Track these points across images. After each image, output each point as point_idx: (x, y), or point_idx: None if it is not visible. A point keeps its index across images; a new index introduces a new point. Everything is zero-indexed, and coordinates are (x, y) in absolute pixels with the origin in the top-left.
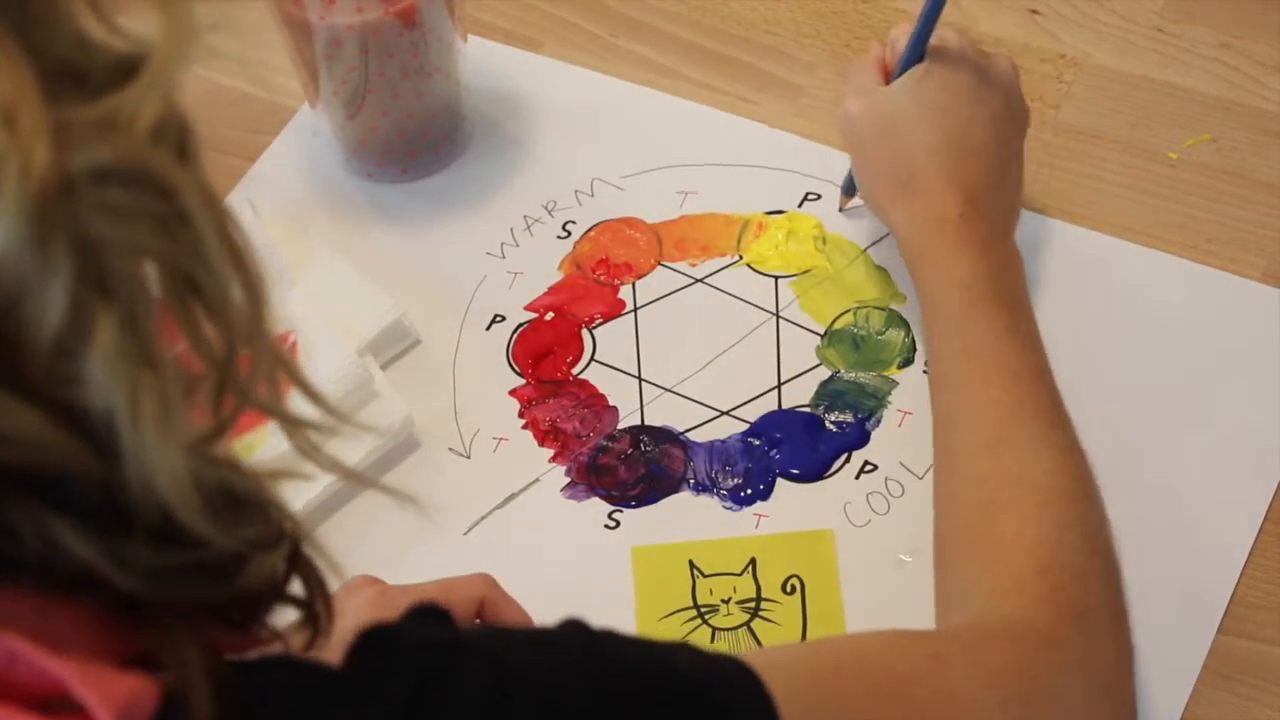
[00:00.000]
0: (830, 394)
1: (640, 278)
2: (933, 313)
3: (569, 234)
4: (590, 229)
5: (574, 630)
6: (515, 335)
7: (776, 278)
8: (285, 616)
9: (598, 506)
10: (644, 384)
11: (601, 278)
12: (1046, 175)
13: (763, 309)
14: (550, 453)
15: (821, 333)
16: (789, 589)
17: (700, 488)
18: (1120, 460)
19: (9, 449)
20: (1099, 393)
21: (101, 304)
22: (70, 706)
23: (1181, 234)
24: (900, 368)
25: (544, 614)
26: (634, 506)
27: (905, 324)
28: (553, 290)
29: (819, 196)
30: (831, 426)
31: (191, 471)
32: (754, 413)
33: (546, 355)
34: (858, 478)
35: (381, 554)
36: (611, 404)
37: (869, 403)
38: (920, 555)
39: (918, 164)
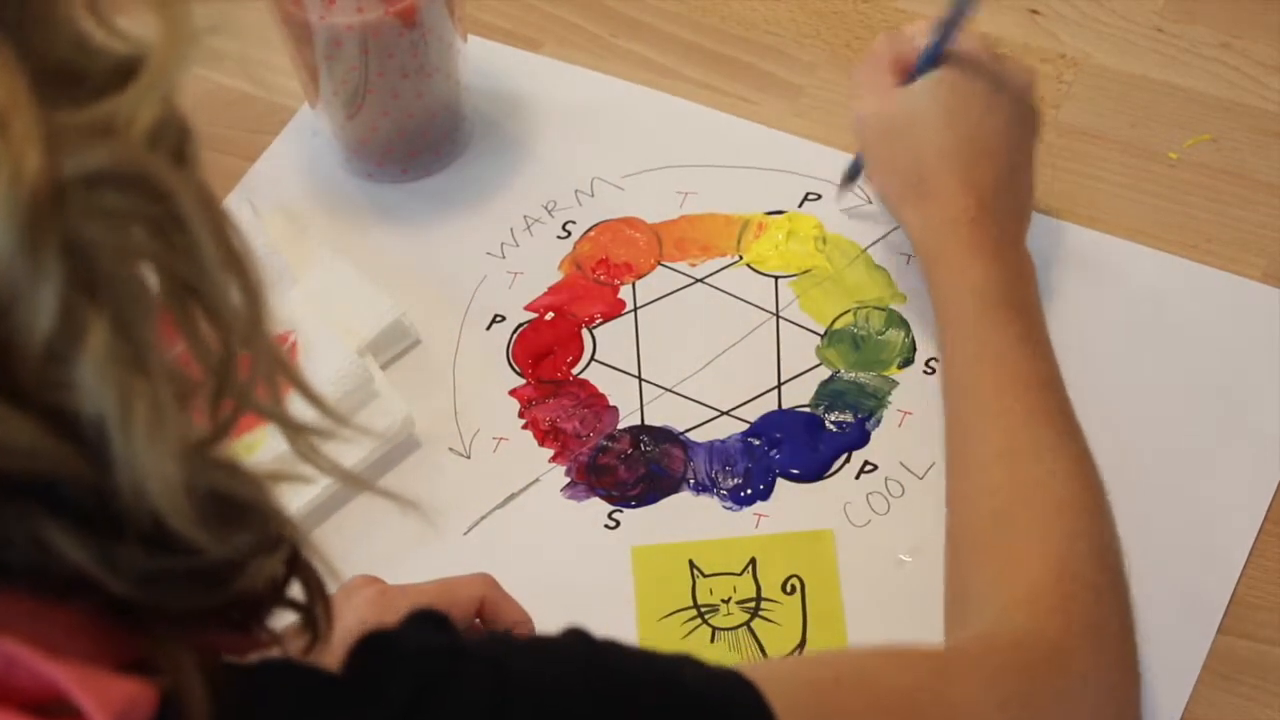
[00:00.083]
0: (830, 394)
1: (640, 278)
2: (945, 316)
3: (569, 234)
4: (590, 229)
5: (576, 639)
6: (515, 335)
7: (776, 278)
8: (284, 619)
9: (598, 506)
10: (644, 384)
11: (601, 278)
12: (1047, 175)
13: (763, 309)
14: (550, 453)
15: (821, 333)
16: (789, 589)
17: (700, 488)
18: (1120, 460)
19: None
20: (1099, 392)
21: (93, 309)
22: (67, 710)
23: (1181, 234)
24: (900, 368)
25: (544, 614)
26: (634, 506)
27: (905, 324)
28: (553, 290)
29: (819, 196)
30: (831, 426)
31: (185, 478)
32: (754, 413)
33: (546, 355)
34: (858, 478)
35: (381, 554)
36: (611, 404)
37: (869, 403)
38: (920, 555)
39: (931, 166)
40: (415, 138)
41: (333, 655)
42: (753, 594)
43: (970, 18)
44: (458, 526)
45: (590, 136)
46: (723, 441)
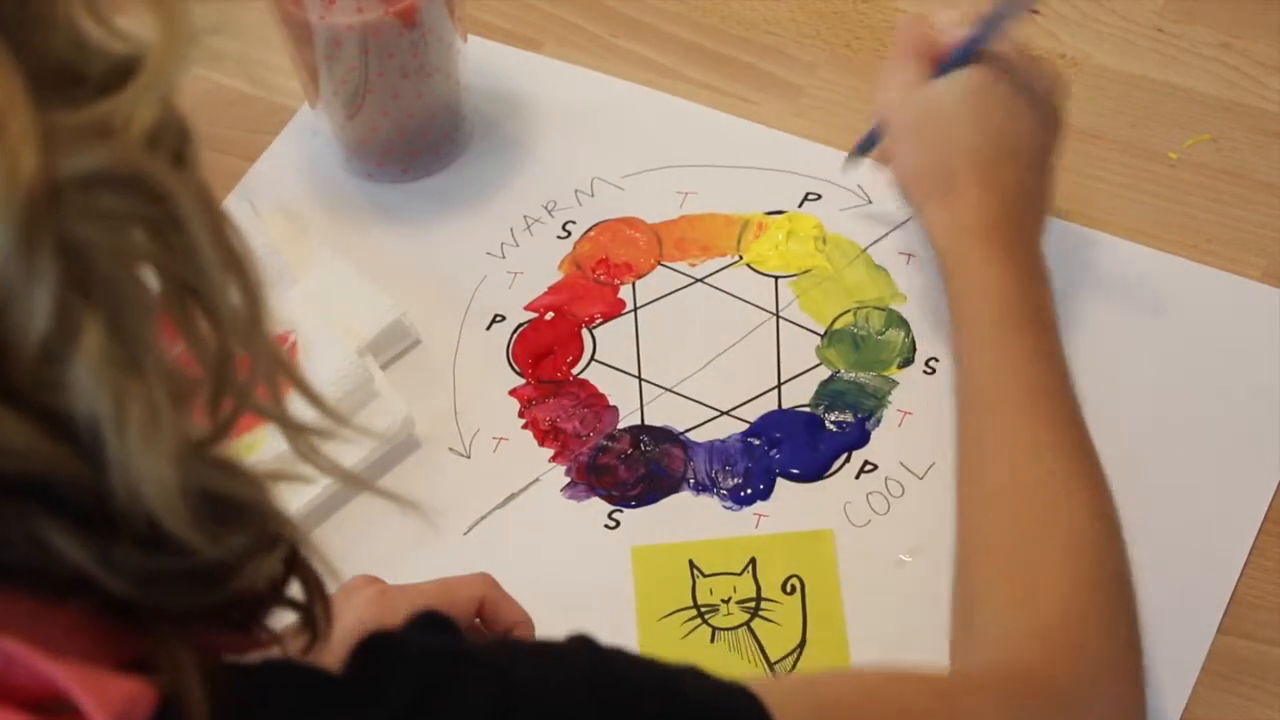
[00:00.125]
0: (830, 394)
1: (640, 278)
2: (962, 317)
3: (569, 234)
4: (590, 229)
5: (582, 646)
6: (515, 335)
7: (776, 278)
8: (284, 619)
9: (598, 506)
10: (644, 384)
11: (601, 278)
12: None
13: (763, 309)
14: (550, 453)
15: (821, 333)
16: (789, 589)
17: (700, 487)
18: (1120, 460)
19: None
20: (1099, 392)
21: (89, 310)
22: (67, 709)
23: (1181, 234)
24: (900, 368)
25: (544, 614)
26: (634, 506)
27: (905, 324)
28: (553, 290)
29: (819, 196)
30: (831, 426)
31: (180, 479)
32: (754, 413)
33: (546, 355)
34: (858, 478)
35: (381, 554)
36: (611, 404)
37: (869, 403)
38: (920, 555)
39: (957, 164)
40: (415, 138)
41: (332, 655)
42: (753, 594)
43: (1015, 20)
44: (458, 526)
45: (590, 136)
46: (723, 441)
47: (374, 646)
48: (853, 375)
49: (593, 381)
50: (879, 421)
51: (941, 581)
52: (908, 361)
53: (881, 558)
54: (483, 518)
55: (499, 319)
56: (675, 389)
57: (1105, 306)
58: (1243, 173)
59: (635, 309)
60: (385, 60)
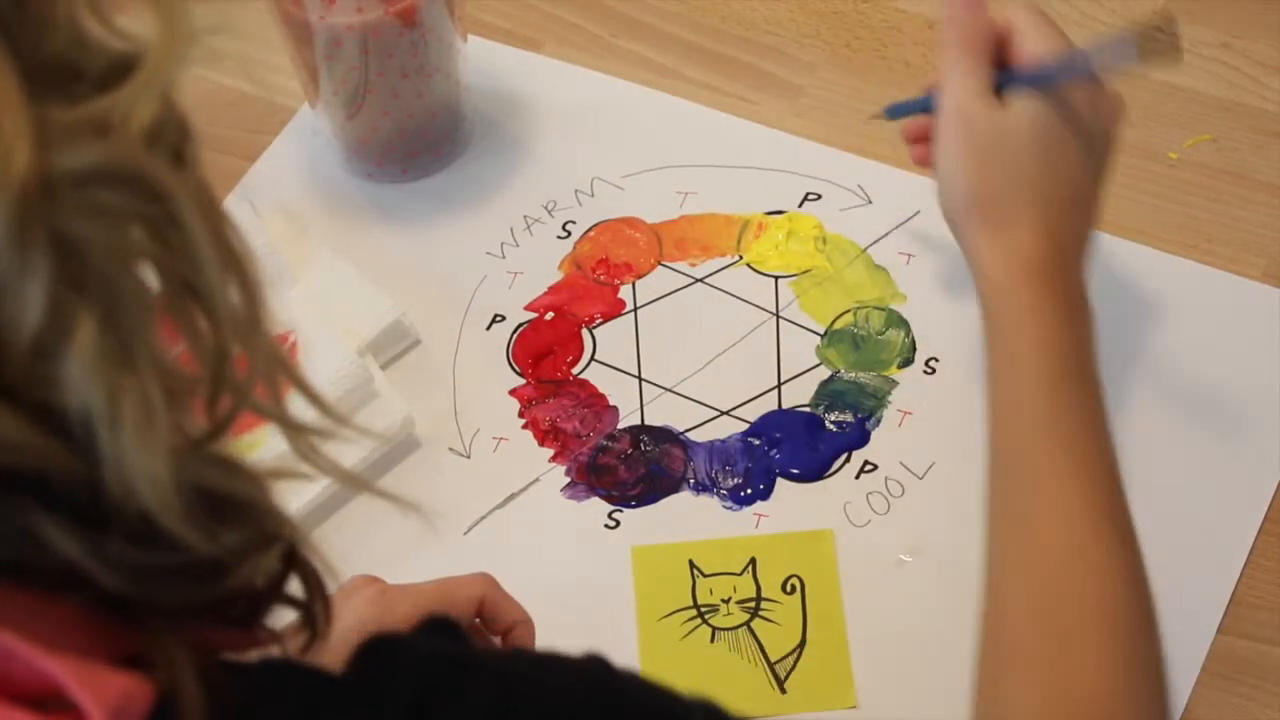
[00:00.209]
0: (830, 394)
1: (640, 278)
2: (1005, 367)
3: (569, 234)
4: (590, 229)
5: (595, 663)
6: (515, 335)
7: (776, 278)
8: (284, 618)
9: (598, 506)
10: (644, 384)
11: (601, 278)
12: None
13: (763, 309)
14: (550, 452)
15: (821, 333)
16: (789, 589)
17: (700, 488)
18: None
19: None
20: None
21: (83, 305)
22: (63, 704)
23: (1181, 234)
24: (900, 368)
25: (544, 614)
26: (634, 506)
27: (905, 324)
28: (553, 290)
29: (819, 196)
30: (831, 426)
31: (174, 475)
32: (754, 413)
33: (546, 355)
34: (858, 478)
35: (381, 554)
36: (611, 404)
37: (869, 403)
38: (920, 555)
39: (1020, 199)
40: (415, 138)
41: (332, 654)
42: (753, 594)
43: (1109, 70)
44: (458, 526)
45: (590, 136)
46: (723, 441)
47: (376, 648)
48: (853, 375)
49: (593, 381)
50: (879, 421)
51: (941, 581)
52: (908, 361)
53: (881, 558)
54: (483, 518)
55: (499, 319)
56: (675, 389)
57: (1105, 306)
58: (1243, 173)
59: (635, 309)
60: (385, 60)
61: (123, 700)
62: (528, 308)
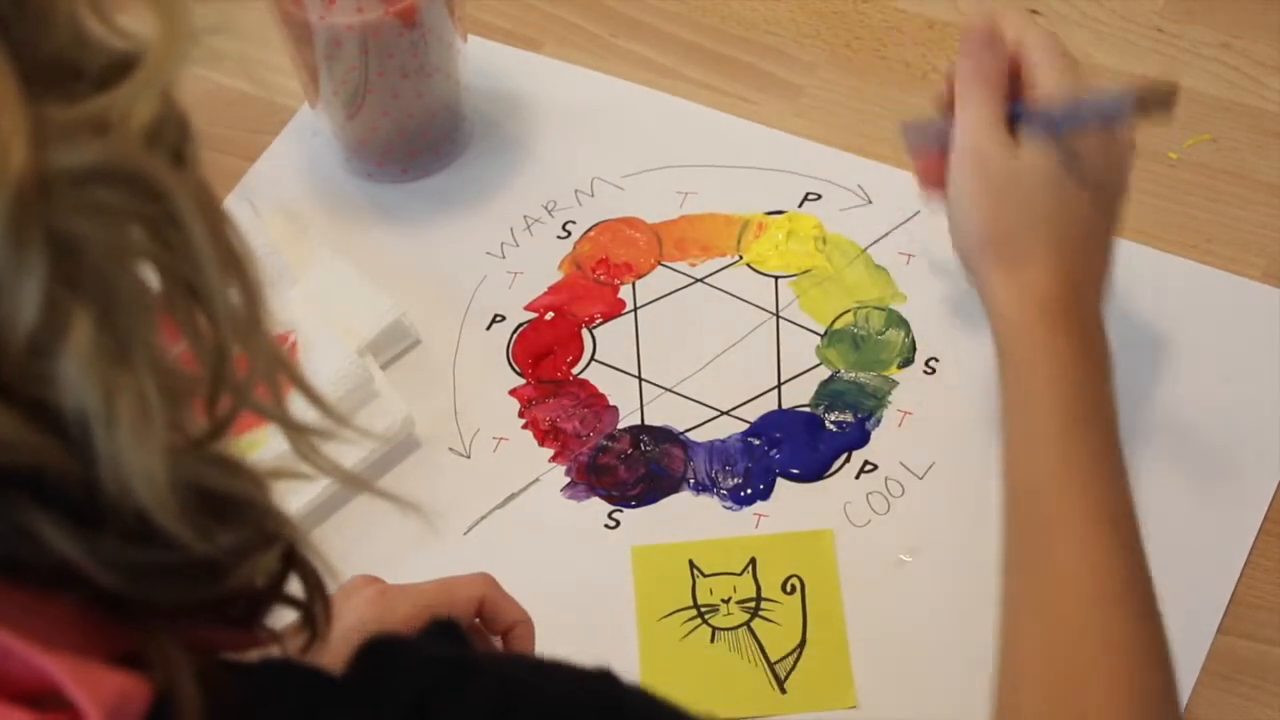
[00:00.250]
0: (830, 394)
1: (640, 278)
2: (1021, 408)
3: (569, 234)
4: (590, 229)
5: (601, 675)
6: (515, 335)
7: (776, 278)
8: (284, 618)
9: (598, 506)
10: (644, 384)
11: (601, 278)
12: None
13: (763, 309)
14: (550, 453)
15: (821, 333)
16: (789, 589)
17: (700, 488)
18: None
19: None
20: None
21: (79, 304)
22: (60, 703)
23: (1181, 234)
24: (900, 368)
25: (544, 614)
26: (634, 506)
27: (905, 324)
28: (553, 290)
29: (819, 196)
30: (831, 426)
31: (170, 474)
32: (754, 413)
33: (546, 355)
34: (858, 478)
35: (382, 554)
36: (611, 404)
37: (869, 403)
38: (920, 555)
39: (1035, 238)
40: (415, 138)
41: (332, 654)
42: (753, 594)
43: (1127, 119)
44: (458, 526)
45: (590, 136)
46: (723, 441)
47: (377, 649)
48: (853, 375)
49: (593, 381)
50: (879, 421)
51: (941, 581)
52: (908, 361)
53: (881, 558)
54: (483, 518)
55: (499, 319)
56: (675, 389)
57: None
58: (1243, 173)
59: (635, 309)
60: (385, 60)
61: (120, 699)
62: (528, 308)
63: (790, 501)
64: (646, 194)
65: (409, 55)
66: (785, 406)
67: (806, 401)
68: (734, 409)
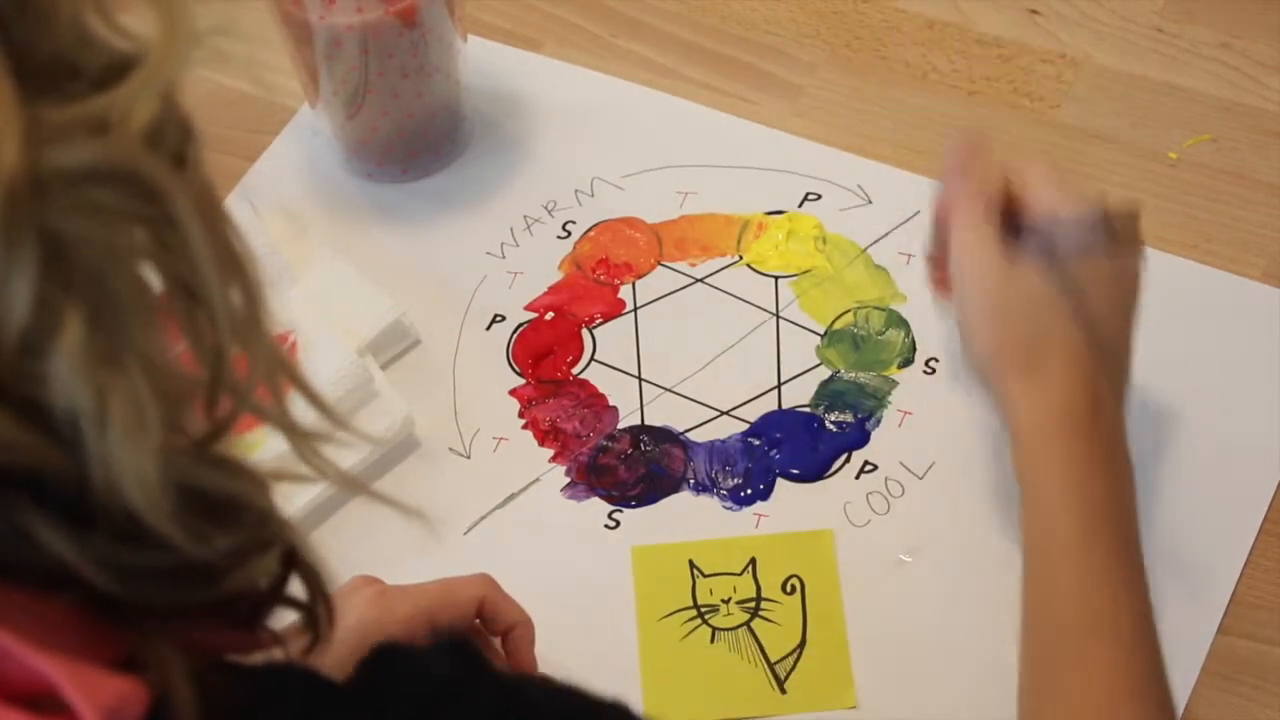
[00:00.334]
0: (830, 394)
1: (640, 278)
2: (1041, 521)
3: (569, 234)
4: (590, 229)
5: (615, 706)
6: (515, 335)
7: (776, 278)
8: (286, 620)
9: (598, 506)
10: (644, 384)
11: (601, 278)
12: None
13: (763, 309)
14: (550, 453)
15: (821, 333)
16: (789, 589)
17: (700, 488)
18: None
19: None
20: None
21: (71, 303)
22: (57, 705)
23: (1181, 234)
24: (900, 368)
25: (544, 614)
26: (634, 506)
27: (905, 324)
28: (553, 290)
29: (819, 196)
30: (831, 426)
31: (163, 475)
32: (754, 413)
33: (546, 355)
34: (858, 478)
35: (381, 554)
36: (611, 404)
37: (869, 403)
38: (920, 555)
39: (1048, 346)
40: (415, 138)
41: (331, 655)
42: (753, 594)
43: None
44: (458, 526)
45: (590, 136)
46: (723, 441)
47: (384, 657)
48: (853, 375)
49: (593, 381)
50: (879, 421)
51: (941, 581)
52: (908, 361)
53: (881, 558)
54: (483, 518)
55: (499, 319)
56: (675, 389)
57: None
58: (1243, 173)
59: (635, 309)
60: (385, 60)
61: (117, 703)
62: (528, 308)
63: (790, 501)
64: (646, 194)
65: (409, 55)
66: (785, 406)
67: (806, 401)
68: (734, 409)
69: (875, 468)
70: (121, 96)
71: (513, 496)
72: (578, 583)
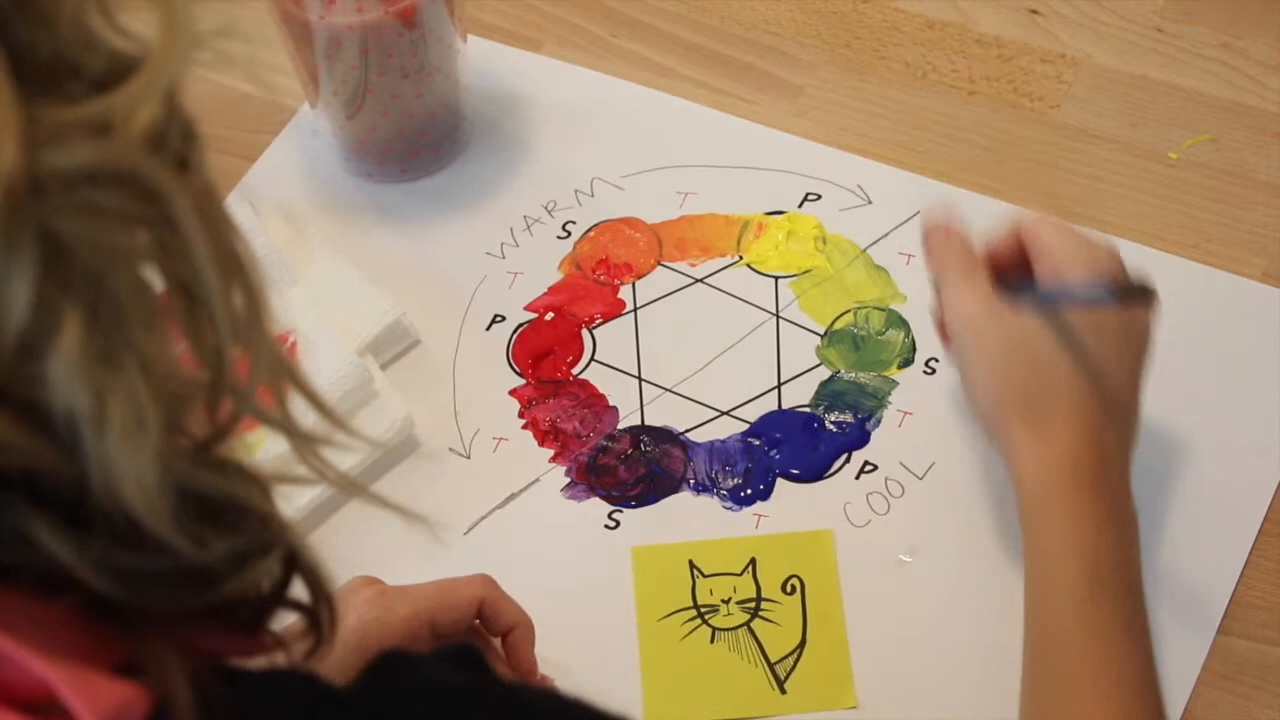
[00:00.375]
0: (830, 394)
1: (640, 278)
2: (1044, 571)
3: (569, 234)
4: (590, 229)
5: (621, 719)
6: (515, 335)
7: (776, 278)
8: (288, 622)
9: (598, 506)
10: (644, 384)
11: (601, 278)
12: (1047, 176)
13: (763, 309)
14: (550, 453)
15: (821, 333)
16: (789, 589)
17: (700, 488)
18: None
19: None
20: None
21: (69, 305)
22: (57, 710)
23: (1181, 234)
24: (900, 368)
25: (544, 614)
26: (634, 506)
27: (905, 324)
28: (553, 290)
29: (819, 197)
30: (831, 426)
31: (162, 478)
32: (754, 413)
33: (546, 355)
34: (858, 478)
35: (381, 554)
36: (611, 404)
37: (869, 403)
38: (920, 555)
39: (1051, 396)
40: (415, 138)
41: (333, 655)
42: (753, 594)
43: (1105, 305)
44: (458, 526)
45: (590, 136)
46: (723, 441)
47: (388, 664)
48: (853, 375)
49: (593, 381)
50: (879, 422)
51: (941, 581)
52: (908, 362)
53: (881, 558)
54: (483, 518)
55: (499, 319)
56: (675, 389)
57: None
58: (1243, 173)
59: (635, 309)
60: (385, 60)
61: (118, 708)
62: (528, 308)
63: (790, 502)
64: (646, 194)
65: (409, 55)
66: (785, 407)
67: (806, 402)
68: (734, 409)
69: (875, 468)
70: (123, 98)
71: (513, 496)
72: (578, 583)
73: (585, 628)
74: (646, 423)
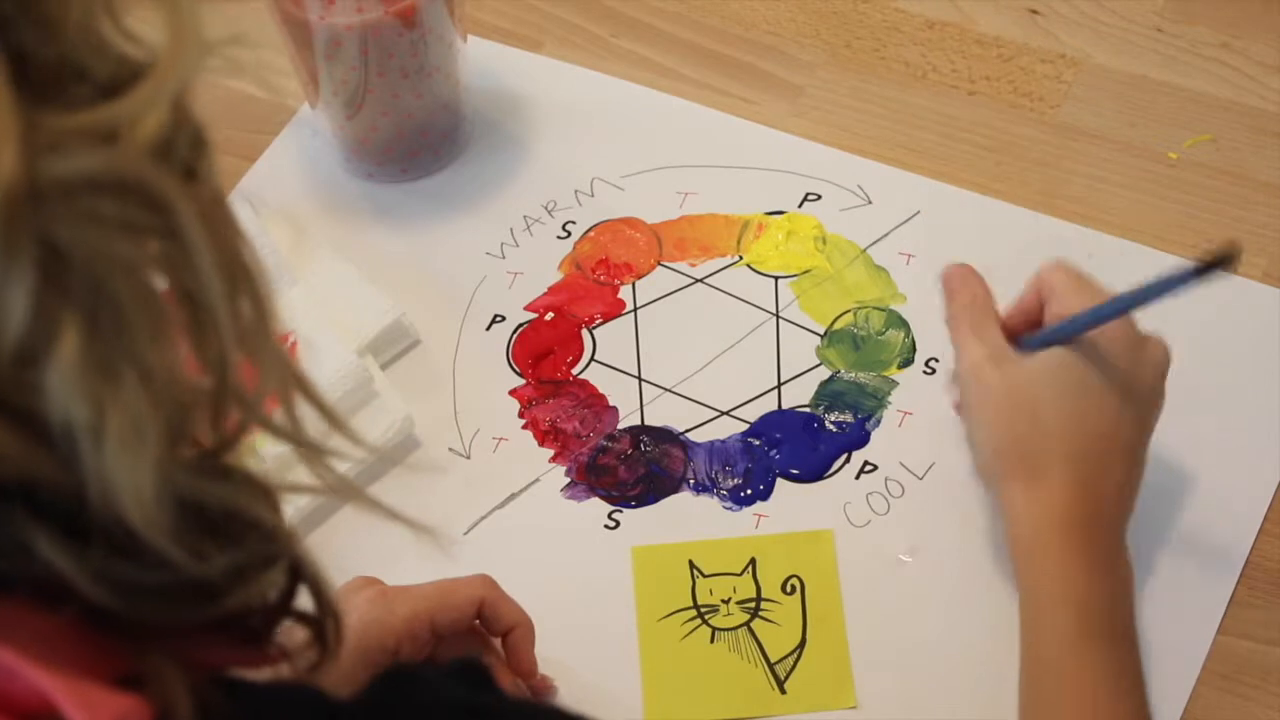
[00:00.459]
0: (830, 394)
1: (640, 278)
2: (1037, 624)
3: (569, 234)
4: (590, 229)
5: None
6: (515, 335)
7: (776, 278)
8: (294, 632)
9: (598, 506)
10: (644, 384)
11: (601, 278)
12: (1047, 175)
13: (763, 309)
14: (550, 453)
15: (821, 333)
16: (789, 589)
17: (700, 488)
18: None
19: None
20: None
21: (69, 314)
22: None
23: (1181, 234)
24: (900, 368)
25: (544, 614)
26: (634, 506)
27: (905, 324)
28: (553, 290)
29: (819, 197)
30: (831, 426)
31: (161, 490)
32: (754, 413)
33: (546, 355)
34: (857, 478)
35: (381, 554)
36: (611, 404)
37: (869, 403)
38: (919, 555)
39: (1047, 449)
40: (415, 138)
41: (335, 658)
42: (753, 594)
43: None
44: (458, 527)
45: (590, 136)
46: (723, 441)
47: (395, 680)
48: (853, 375)
49: (593, 382)
50: (879, 422)
51: (941, 581)
52: (908, 362)
53: (881, 558)
54: (483, 518)
55: (499, 319)
56: (675, 389)
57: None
58: (1243, 173)
59: (635, 309)
60: (385, 60)
61: None
62: (528, 308)
63: (790, 502)
64: (646, 194)
65: (409, 55)
66: (785, 407)
67: (806, 402)
68: (734, 409)
69: (875, 468)
70: (129, 104)
71: (513, 496)
72: (578, 583)
73: (585, 628)
74: (646, 423)
